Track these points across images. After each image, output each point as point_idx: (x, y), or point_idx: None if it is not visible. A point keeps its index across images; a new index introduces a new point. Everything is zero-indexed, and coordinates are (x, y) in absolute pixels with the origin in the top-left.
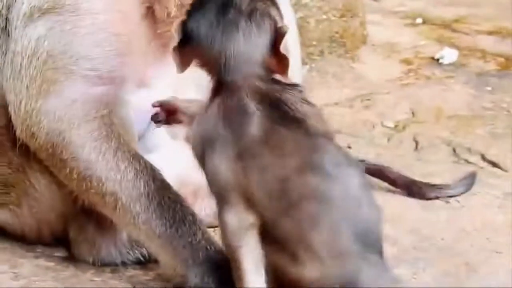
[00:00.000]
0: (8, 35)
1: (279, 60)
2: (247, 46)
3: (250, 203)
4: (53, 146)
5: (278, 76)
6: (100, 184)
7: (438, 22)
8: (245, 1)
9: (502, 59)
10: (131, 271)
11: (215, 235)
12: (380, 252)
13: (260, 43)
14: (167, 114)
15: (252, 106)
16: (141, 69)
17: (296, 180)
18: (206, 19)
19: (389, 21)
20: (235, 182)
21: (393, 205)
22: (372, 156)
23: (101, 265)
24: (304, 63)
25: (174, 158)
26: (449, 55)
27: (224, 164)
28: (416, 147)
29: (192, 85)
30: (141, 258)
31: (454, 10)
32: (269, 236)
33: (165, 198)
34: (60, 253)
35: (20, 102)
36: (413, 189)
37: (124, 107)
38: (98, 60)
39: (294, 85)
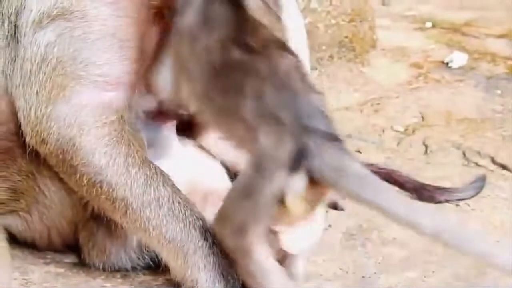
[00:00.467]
0: (17, 42)
1: None
2: None
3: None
4: (63, 152)
5: None
6: (111, 190)
7: (447, 26)
8: None
9: None
10: (142, 277)
11: None
12: (331, 136)
13: None
14: None
15: None
16: (150, 74)
17: (221, 51)
18: None
19: (399, 25)
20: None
21: None
22: (381, 160)
23: (112, 270)
24: (313, 68)
25: (183, 164)
26: (458, 58)
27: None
28: (426, 151)
29: None
30: (151, 264)
31: (464, 13)
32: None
33: (175, 203)
34: (70, 259)
35: (30, 109)
36: (422, 192)
37: (133, 112)
38: (107, 66)
39: None
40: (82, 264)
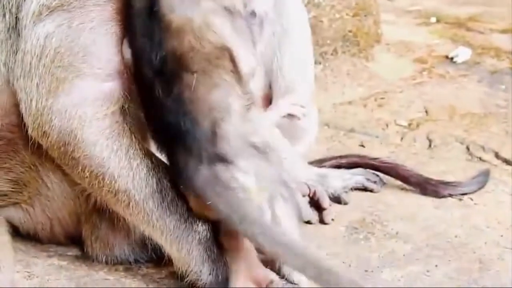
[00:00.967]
0: (18, 34)
1: None
2: None
3: None
4: (65, 145)
5: None
6: (113, 182)
7: (452, 21)
8: None
9: None
10: (144, 269)
11: None
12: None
13: None
14: None
15: None
16: None
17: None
18: None
19: (403, 20)
20: None
21: (407, 203)
22: (385, 154)
23: (114, 263)
24: (317, 62)
25: None
26: (463, 53)
27: None
28: (430, 145)
29: None
30: (154, 256)
31: (468, 8)
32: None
33: (178, 195)
34: (73, 252)
35: (31, 101)
36: (426, 187)
37: (134, 103)
38: (105, 54)
39: None
40: (85, 257)
